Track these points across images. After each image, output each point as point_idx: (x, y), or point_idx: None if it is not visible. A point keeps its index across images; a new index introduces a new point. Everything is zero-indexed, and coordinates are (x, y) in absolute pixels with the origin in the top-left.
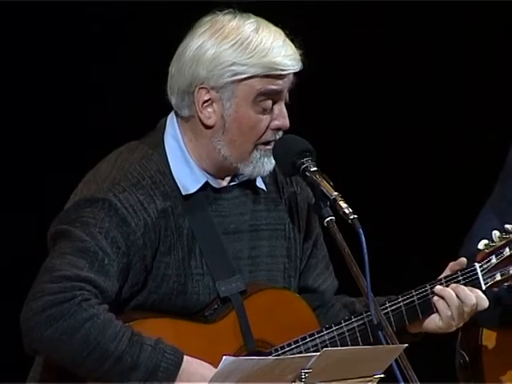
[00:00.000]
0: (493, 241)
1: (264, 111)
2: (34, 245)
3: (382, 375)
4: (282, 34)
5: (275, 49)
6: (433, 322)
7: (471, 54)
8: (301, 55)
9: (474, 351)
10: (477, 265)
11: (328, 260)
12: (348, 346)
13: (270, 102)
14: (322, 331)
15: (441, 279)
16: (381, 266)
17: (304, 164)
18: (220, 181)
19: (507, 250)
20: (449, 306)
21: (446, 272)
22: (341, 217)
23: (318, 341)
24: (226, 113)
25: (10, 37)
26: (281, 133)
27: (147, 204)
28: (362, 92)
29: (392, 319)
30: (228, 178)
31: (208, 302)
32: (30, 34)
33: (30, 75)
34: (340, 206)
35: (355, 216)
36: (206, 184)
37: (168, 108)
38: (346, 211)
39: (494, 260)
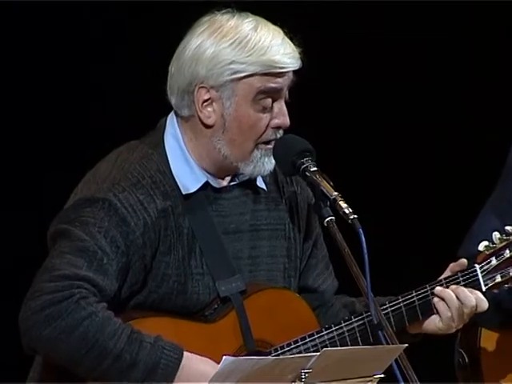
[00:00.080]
0: (493, 242)
1: (264, 110)
2: (34, 245)
3: (382, 375)
4: (281, 32)
5: (274, 47)
6: (433, 324)
7: (471, 54)
8: (300, 53)
9: (473, 351)
10: (477, 266)
11: (328, 260)
12: (348, 346)
13: (269, 101)
14: (322, 331)
15: (441, 280)
16: (381, 266)
17: (304, 164)
18: (220, 180)
19: (507, 251)
20: (449, 307)
21: (446, 273)
22: (341, 217)
23: (317, 341)
24: (226, 112)
25: (10, 37)
26: (281, 131)
27: (147, 204)
28: (361, 92)
29: (392, 320)
30: (228, 178)
31: (208, 302)
32: (30, 33)
33: (29, 75)
34: (340, 206)
35: (355, 216)
36: (206, 183)
37: (168, 108)
38: (346, 211)
39: (494, 261)
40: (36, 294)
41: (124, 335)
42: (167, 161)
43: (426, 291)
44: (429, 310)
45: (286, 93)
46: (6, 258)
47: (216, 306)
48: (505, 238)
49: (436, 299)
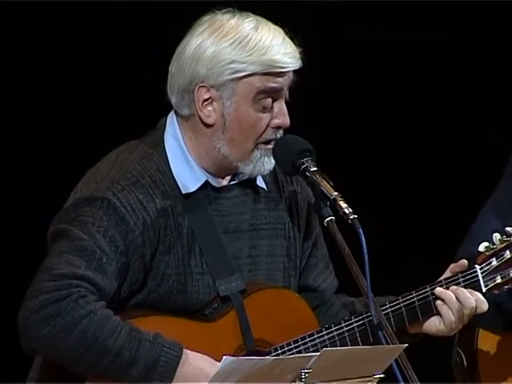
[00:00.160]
0: (493, 243)
1: (264, 109)
2: (34, 245)
3: (382, 375)
4: (282, 32)
5: (274, 46)
6: (433, 325)
7: (471, 54)
8: (300, 53)
9: (471, 351)
10: (477, 267)
11: (328, 259)
12: (348, 346)
13: (269, 100)
14: (322, 331)
15: (441, 281)
16: (381, 266)
17: (304, 164)
18: (220, 180)
19: (508, 252)
20: (449, 308)
21: (447, 273)
22: (341, 217)
23: (317, 341)
24: (226, 111)
25: (10, 37)
26: (281, 131)
27: (146, 203)
28: (361, 92)
29: (392, 320)
30: (228, 177)
31: (208, 301)
32: (30, 33)
33: (29, 75)
34: (340, 206)
35: (355, 216)
36: (206, 183)
37: (168, 108)
38: (346, 211)
39: (494, 262)
40: (35, 294)
41: (123, 333)
42: (167, 160)
43: (427, 292)
44: (429, 310)
45: (286, 93)
46: (6, 258)
47: (216, 305)
48: (505, 238)
49: (439, 302)
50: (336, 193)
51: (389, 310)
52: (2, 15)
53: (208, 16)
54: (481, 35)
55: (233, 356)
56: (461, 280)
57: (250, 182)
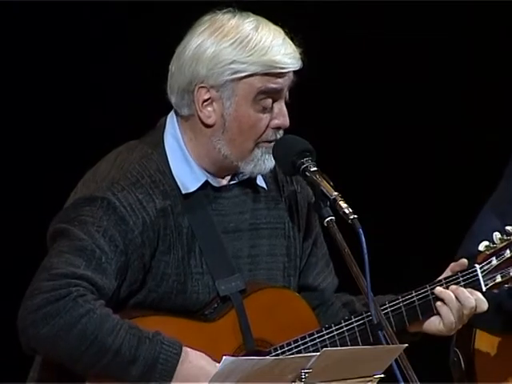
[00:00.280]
0: (493, 242)
1: (264, 110)
2: (34, 245)
3: (382, 375)
4: (282, 32)
5: (275, 47)
6: (433, 325)
7: (471, 54)
8: (300, 54)
9: (468, 351)
10: (477, 266)
11: (328, 258)
12: (348, 346)
13: (269, 101)
14: (322, 331)
15: (441, 280)
16: (381, 266)
17: (304, 164)
18: (220, 180)
19: (508, 251)
20: (449, 308)
21: (447, 273)
22: (341, 217)
23: (317, 341)
24: (226, 112)
25: (10, 37)
26: (281, 132)
27: (146, 203)
28: (361, 92)
29: (392, 320)
30: (228, 177)
31: (208, 301)
32: (30, 33)
33: (29, 75)
34: (340, 206)
35: (355, 216)
36: (206, 183)
37: (168, 108)
38: (346, 211)
39: (494, 261)
40: (34, 293)
41: (122, 331)
42: (167, 160)
43: (426, 291)
44: (429, 310)
45: (286, 93)
46: (6, 258)
47: (216, 305)
48: (505, 238)
49: (439, 303)
50: (336, 193)
51: (389, 309)
52: (2, 15)
53: (208, 16)
54: (481, 35)
55: (232, 356)
56: (461, 279)
57: (250, 181)
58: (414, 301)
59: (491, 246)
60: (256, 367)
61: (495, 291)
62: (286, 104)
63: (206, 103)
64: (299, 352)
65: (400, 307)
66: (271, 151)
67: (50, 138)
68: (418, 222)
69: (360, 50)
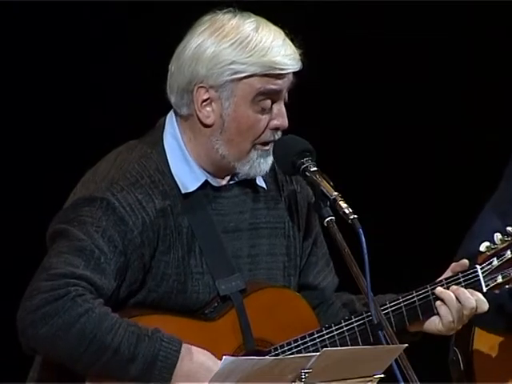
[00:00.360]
0: (494, 243)
1: (263, 111)
2: (34, 245)
3: (382, 375)
4: (282, 33)
5: (275, 48)
6: (433, 325)
7: (471, 54)
8: (300, 55)
9: (467, 350)
10: (478, 267)
11: (328, 257)
12: (348, 345)
13: (269, 102)
14: (322, 331)
15: (442, 280)
16: (381, 266)
17: (304, 164)
18: (219, 179)
19: (509, 252)
20: (449, 308)
21: (447, 273)
22: (341, 217)
23: (317, 340)
24: (225, 112)
25: (10, 37)
26: (280, 133)
27: (146, 203)
28: (361, 92)
29: (392, 319)
30: (228, 177)
31: (208, 301)
32: (30, 33)
33: (29, 75)
34: (340, 205)
35: (355, 216)
36: (206, 182)
37: (168, 108)
38: (346, 211)
39: (495, 262)
40: (33, 293)
41: (121, 329)
42: (166, 160)
43: (427, 291)
44: (429, 310)
45: (285, 94)
46: (6, 258)
47: (216, 305)
48: (506, 238)
49: (438, 302)
50: (336, 193)
51: (389, 309)
52: (2, 15)
53: (209, 16)
54: (481, 35)
55: (232, 355)
56: (461, 280)
57: (250, 181)
58: (414, 301)
59: (492, 246)
60: (256, 367)
61: (496, 292)
62: (286, 104)
63: (204, 103)
64: (299, 352)
65: (400, 307)
66: (266, 155)
67: (50, 138)
68: (418, 222)
69: (360, 50)
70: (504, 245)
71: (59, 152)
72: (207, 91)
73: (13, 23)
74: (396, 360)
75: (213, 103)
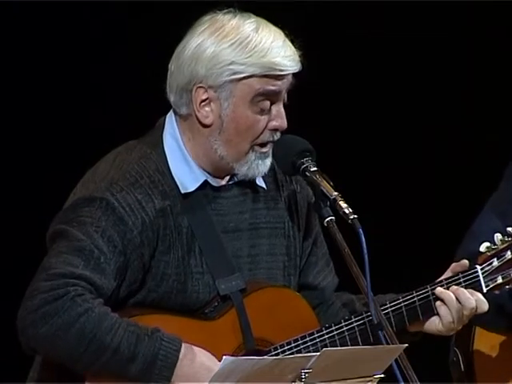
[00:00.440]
0: (494, 243)
1: (262, 111)
2: (34, 245)
3: (382, 375)
4: (282, 34)
5: (275, 49)
6: (433, 325)
7: (471, 54)
8: (300, 56)
9: (467, 350)
10: (478, 267)
11: (328, 257)
12: (348, 345)
13: (268, 103)
14: (322, 331)
15: (442, 280)
16: (381, 266)
17: (304, 164)
18: (219, 179)
19: (509, 252)
20: (449, 309)
21: (448, 273)
22: (341, 217)
23: (317, 340)
24: (224, 112)
25: (10, 37)
26: (278, 134)
27: (145, 203)
28: (361, 92)
29: (392, 319)
30: (227, 177)
31: (208, 300)
32: (30, 33)
33: (29, 75)
34: (340, 205)
35: (355, 216)
36: (205, 183)
37: (168, 108)
38: (346, 211)
39: (495, 263)
40: (33, 294)
41: (121, 329)
42: (166, 160)
43: (427, 291)
44: (429, 310)
45: (284, 95)
46: (6, 258)
47: (216, 304)
48: (506, 239)
49: (438, 303)
50: (336, 193)
51: (389, 309)
52: (2, 15)
53: (209, 16)
54: (481, 35)
55: (232, 355)
56: (461, 280)
57: (250, 181)
58: (414, 301)
59: (492, 247)
60: (256, 367)
61: (496, 292)
62: (285, 105)
63: (203, 103)
64: (299, 351)
65: (400, 307)
66: (264, 157)
67: (50, 138)
68: (418, 222)
69: (360, 50)
70: (504, 245)
71: (59, 152)
72: (206, 91)
73: (13, 23)
74: (396, 360)
75: (212, 103)
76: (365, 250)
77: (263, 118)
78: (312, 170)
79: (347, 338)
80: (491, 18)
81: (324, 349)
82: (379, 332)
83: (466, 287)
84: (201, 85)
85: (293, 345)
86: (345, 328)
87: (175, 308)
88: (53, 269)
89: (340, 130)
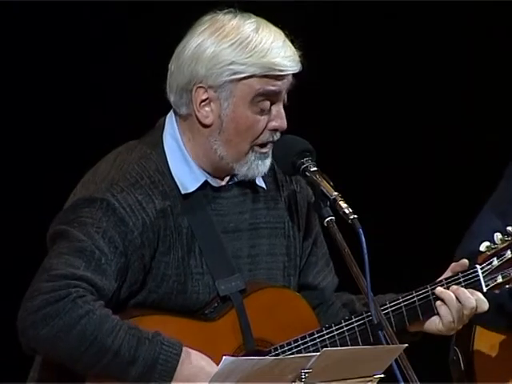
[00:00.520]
0: (494, 243)
1: (262, 112)
2: (34, 245)
3: (382, 375)
4: (282, 34)
5: (275, 49)
6: (433, 325)
7: (471, 54)
8: (300, 56)
9: (467, 350)
10: (478, 267)
11: (328, 257)
12: (348, 345)
13: (268, 103)
14: (322, 331)
15: (442, 280)
16: (381, 266)
17: (304, 164)
18: (219, 180)
19: (509, 252)
20: (449, 308)
21: (447, 273)
22: (341, 217)
23: (317, 340)
24: (224, 113)
25: (10, 37)
26: (278, 134)
27: (146, 204)
28: (361, 92)
29: (392, 319)
30: (227, 177)
31: (208, 301)
32: (30, 33)
33: (29, 75)
34: (340, 205)
35: (355, 216)
36: (205, 183)
37: (168, 108)
38: (346, 211)
39: (495, 262)
40: (34, 294)
41: (122, 332)
42: (166, 160)
43: (427, 291)
44: (429, 310)
45: (284, 96)
46: (6, 258)
47: (216, 305)
48: (506, 238)
49: (438, 302)
50: (336, 193)
51: (389, 309)
52: (2, 15)
53: (209, 16)
54: (481, 35)
55: (232, 355)
56: (461, 280)
57: (249, 181)
58: (414, 301)
59: (492, 246)
60: (256, 367)
61: (496, 292)
62: (285, 106)
63: (203, 103)
64: (299, 352)
65: (400, 307)
66: (264, 157)
67: (50, 138)
68: (418, 222)
69: (360, 50)
70: (504, 245)
71: (59, 152)
72: (206, 91)
73: (13, 23)
74: (396, 360)
75: (211, 103)
76: (365, 250)
77: (263, 119)
78: (312, 169)
79: (347, 338)
80: (491, 18)
81: (324, 349)
82: (379, 332)
83: (466, 287)
84: (201, 85)
85: (293, 345)
86: (345, 328)
87: (175, 309)
88: (54, 270)
89: (340, 130)
